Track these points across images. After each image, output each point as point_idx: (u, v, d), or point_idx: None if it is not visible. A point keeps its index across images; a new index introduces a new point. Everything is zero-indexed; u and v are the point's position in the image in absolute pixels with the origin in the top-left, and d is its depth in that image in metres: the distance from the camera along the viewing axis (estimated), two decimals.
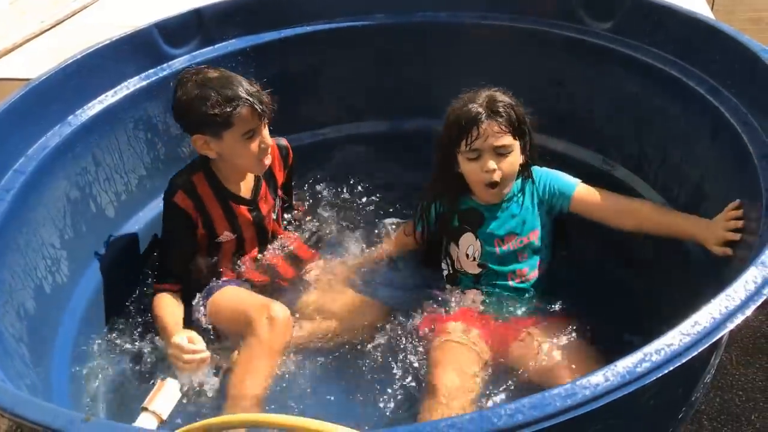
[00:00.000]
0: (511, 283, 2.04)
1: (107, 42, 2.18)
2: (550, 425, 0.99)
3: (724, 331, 1.09)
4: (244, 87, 1.96)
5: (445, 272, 2.16)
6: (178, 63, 2.34)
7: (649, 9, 2.17)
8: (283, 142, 2.29)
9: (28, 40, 2.73)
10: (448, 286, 2.13)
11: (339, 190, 2.65)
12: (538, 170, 2.08)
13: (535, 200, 2.06)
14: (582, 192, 2.04)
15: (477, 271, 2.07)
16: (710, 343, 1.07)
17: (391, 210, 2.59)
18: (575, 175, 2.12)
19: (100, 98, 2.16)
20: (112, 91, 2.20)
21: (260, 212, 2.18)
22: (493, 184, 1.95)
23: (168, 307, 2.03)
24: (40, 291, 1.88)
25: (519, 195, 2.05)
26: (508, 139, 1.91)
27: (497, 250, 2.04)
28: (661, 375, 1.03)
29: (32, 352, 1.72)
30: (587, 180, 2.20)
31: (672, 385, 1.24)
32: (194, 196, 2.06)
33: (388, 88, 2.63)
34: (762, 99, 1.76)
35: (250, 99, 1.93)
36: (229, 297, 2.06)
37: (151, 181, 2.36)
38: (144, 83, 2.27)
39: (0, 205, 1.77)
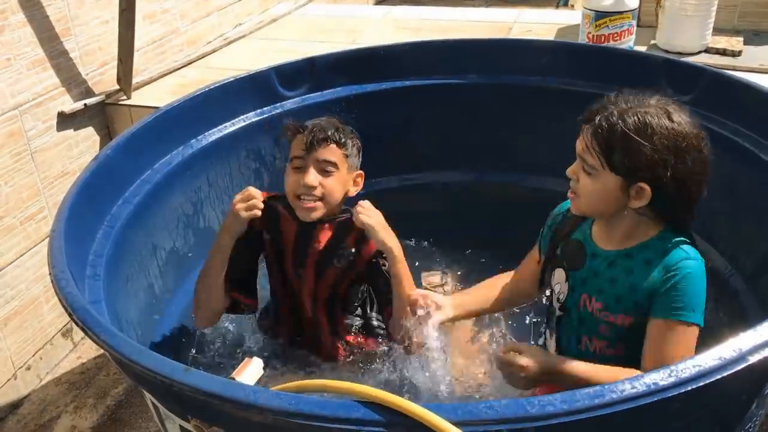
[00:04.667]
0: (580, 347, 1.72)
1: (232, 79, 2.46)
2: (576, 420, 1.11)
3: (752, 361, 1.18)
4: (318, 122, 1.96)
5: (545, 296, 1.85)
6: (290, 103, 2.59)
7: (726, 84, 2.28)
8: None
9: (163, 75, 3.11)
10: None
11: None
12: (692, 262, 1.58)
13: (649, 282, 1.58)
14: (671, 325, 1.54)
15: (558, 313, 1.77)
16: (737, 369, 1.17)
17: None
18: None
19: (219, 127, 2.42)
20: (230, 122, 2.45)
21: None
22: None
23: None
24: (150, 289, 2.14)
25: (638, 260, 1.61)
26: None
27: (580, 306, 1.70)
28: (684, 391, 1.14)
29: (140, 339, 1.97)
30: None
31: (703, 416, 1.32)
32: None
33: (473, 142, 2.78)
34: None
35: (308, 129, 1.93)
36: None
37: None
38: (259, 118, 2.52)
39: (127, 207, 2.04)
